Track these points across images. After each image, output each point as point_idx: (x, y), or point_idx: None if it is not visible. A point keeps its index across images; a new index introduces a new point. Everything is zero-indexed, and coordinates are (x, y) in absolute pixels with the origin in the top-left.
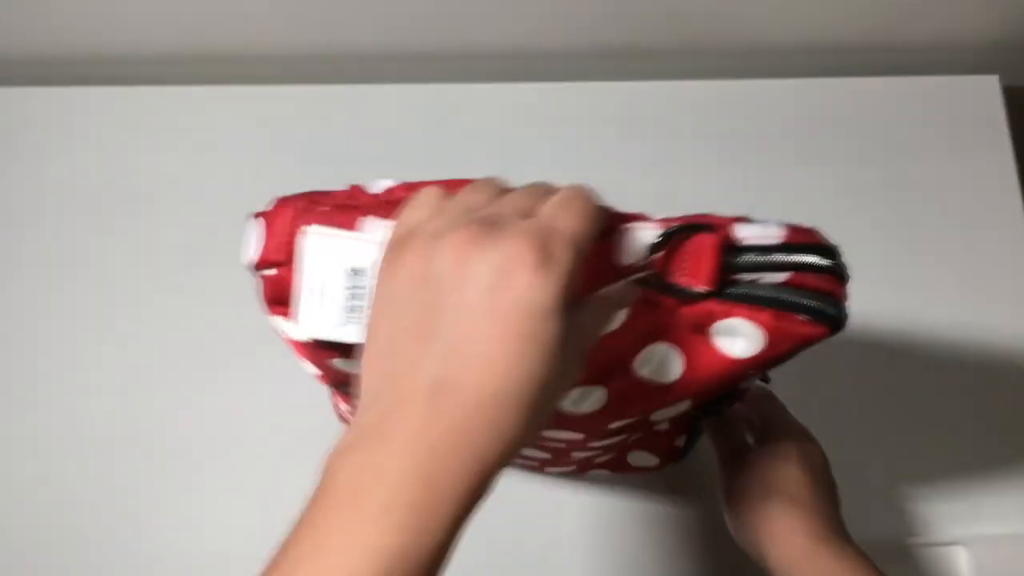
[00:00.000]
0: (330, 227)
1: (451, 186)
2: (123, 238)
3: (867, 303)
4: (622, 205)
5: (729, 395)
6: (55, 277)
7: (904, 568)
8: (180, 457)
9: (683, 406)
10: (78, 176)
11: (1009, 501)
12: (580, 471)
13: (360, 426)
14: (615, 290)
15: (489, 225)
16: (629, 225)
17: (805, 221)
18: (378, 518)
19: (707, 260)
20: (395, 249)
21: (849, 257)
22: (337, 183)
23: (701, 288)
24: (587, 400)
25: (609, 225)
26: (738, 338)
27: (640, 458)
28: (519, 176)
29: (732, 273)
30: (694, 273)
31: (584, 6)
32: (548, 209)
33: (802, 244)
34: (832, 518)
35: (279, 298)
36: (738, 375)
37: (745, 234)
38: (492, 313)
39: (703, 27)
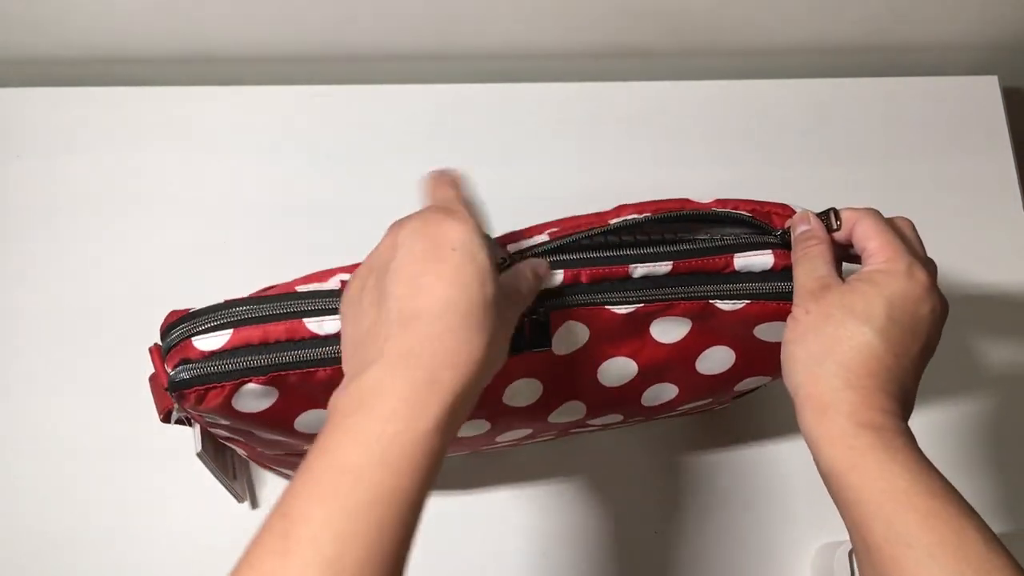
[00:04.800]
0: None
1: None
2: (123, 238)
3: None
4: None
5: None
6: (55, 277)
7: None
8: (179, 456)
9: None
10: (78, 176)
11: (1009, 499)
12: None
13: (349, 375)
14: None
15: (402, 220)
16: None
17: None
18: (376, 412)
19: None
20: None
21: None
22: (336, 183)
23: None
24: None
25: None
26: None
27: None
28: (520, 176)
29: None
30: None
31: (584, 6)
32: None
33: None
34: (892, 394)
35: None
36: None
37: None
38: (424, 253)
39: (703, 27)
